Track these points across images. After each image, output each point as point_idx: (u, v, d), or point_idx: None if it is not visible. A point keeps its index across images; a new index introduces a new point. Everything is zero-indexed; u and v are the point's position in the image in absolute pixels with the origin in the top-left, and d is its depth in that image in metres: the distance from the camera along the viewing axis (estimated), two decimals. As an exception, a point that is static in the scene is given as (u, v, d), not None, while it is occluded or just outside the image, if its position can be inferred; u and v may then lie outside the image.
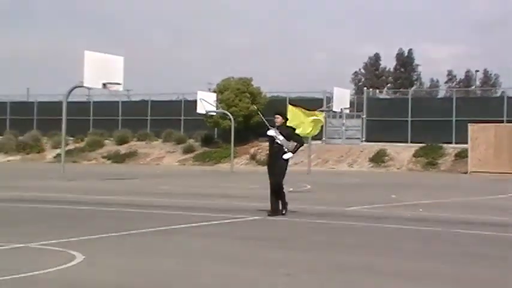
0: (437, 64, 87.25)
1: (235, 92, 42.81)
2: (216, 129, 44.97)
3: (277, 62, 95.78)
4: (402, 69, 68.04)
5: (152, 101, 49.55)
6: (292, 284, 6.50)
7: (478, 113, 39.06)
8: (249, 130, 39.80)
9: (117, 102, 49.71)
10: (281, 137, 12.35)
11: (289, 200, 12.63)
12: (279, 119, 12.54)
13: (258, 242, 9.25)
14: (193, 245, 8.81)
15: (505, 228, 11.17)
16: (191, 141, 45.51)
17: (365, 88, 50.55)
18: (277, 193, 12.40)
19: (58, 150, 41.98)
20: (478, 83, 64.78)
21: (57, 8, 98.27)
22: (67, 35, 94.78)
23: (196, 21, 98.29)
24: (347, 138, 43.79)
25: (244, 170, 37.41)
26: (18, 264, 7.06)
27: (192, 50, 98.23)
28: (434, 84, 66.38)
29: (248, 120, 41.06)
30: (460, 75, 67.15)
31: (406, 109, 42.62)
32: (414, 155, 39.87)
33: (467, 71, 66.60)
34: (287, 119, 13.14)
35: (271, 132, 12.46)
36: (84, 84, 23.86)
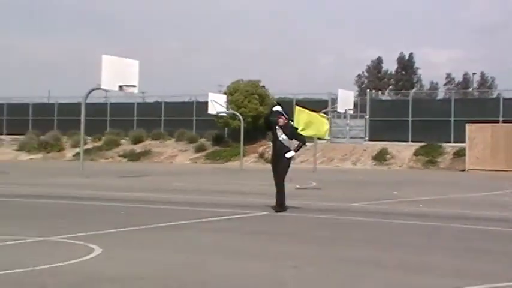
0: (437, 67, 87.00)
1: (245, 94, 42.73)
2: (226, 129, 44.88)
3: (285, 66, 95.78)
4: (403, 72, 67.83)
5: (166, 103, 49.54)
6: (299, 275, 6.40)
7: (475, 113, 38.95)
8: (257, 130, 39.68)
9: (133, 103, 49.74)
10: (284, 136, 12.25)
11: (296, 197, 12.56)
12: (282, 119, 12.39)
13: (267, 237, 9.16)
14: (203, 240, 8.71)
15: (507, 224, 11.02)
16: (203, 140, 45.46)
17: (368, 90, 50.34)
18: (278, 190, 12.28)
19: (77, 149, 42.01)
20: (475, 85, 64.45)
21: (76, 16, 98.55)
22: (86, 40, 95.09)
23: (207, 27, 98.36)
24: (351, 137, 43.64)
25: (253, 167, 37.28)
26: (39, 257, 7.00)
27: (203, 55, 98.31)
28: (434, 87, 66.19)
29: (257, 121, 40.92)
30: (458, 77, 67.06)
31: (407, 110, 42.46)
32: (415, 154, 39.70)
33: (465, 74, 66.45)
34: (291, 120, 13.03)
35: (277, 107, 12.37)
36: (102, 87, 23.82)
